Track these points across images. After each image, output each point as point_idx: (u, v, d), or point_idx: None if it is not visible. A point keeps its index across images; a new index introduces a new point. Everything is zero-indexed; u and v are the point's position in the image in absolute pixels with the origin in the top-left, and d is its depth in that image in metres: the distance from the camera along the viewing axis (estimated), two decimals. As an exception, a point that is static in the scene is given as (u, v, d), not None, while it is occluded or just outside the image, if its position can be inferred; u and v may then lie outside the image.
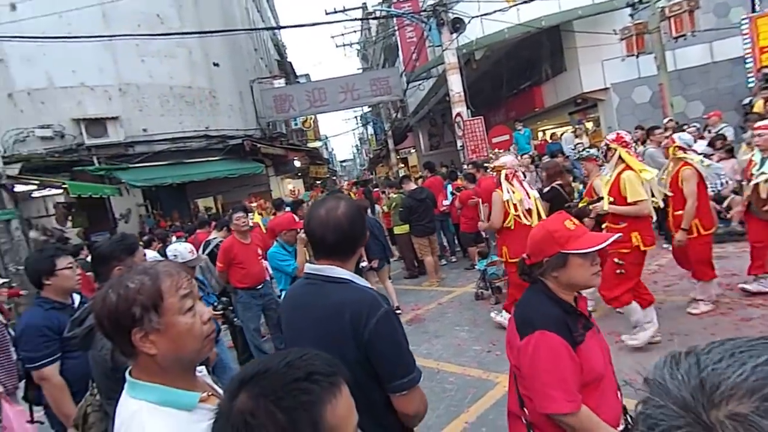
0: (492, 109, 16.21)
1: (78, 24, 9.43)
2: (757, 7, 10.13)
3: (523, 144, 11.04)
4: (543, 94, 13.66)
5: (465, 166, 9.33)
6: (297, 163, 17.47)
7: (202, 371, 1.15)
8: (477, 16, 10.24)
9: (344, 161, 79.11)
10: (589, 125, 12.62)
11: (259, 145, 13.50)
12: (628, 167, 3.66)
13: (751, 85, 9.56)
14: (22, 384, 3.00)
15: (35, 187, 8.79)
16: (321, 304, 1.38)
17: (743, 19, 9.89)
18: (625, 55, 10.25)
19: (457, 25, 10.03)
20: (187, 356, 1.02)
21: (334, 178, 34.50)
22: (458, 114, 10.40)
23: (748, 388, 0.37)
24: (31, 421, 3.30)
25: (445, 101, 14.17)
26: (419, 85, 17.33)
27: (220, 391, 1.11)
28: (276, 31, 28.75)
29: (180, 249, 3.56)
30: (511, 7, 10.46)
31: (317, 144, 27.74)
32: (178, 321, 1.00)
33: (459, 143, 10.73)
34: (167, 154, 11.63)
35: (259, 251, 4.69)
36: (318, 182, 24.68)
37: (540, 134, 15.55)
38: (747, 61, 9.86)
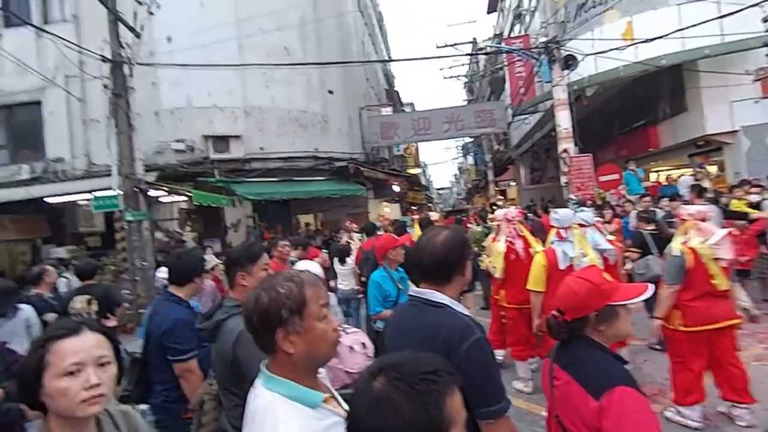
0: (601, 147, 15.20)
1: (218, 54, 10.74)
2: None
3: (635, 185, 10.10)
4: (659, 134, 12.67)
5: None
6: (396, 188, 17.81)
7: (321, 373, 1.24)
8: (591, 54, 9.93)
9: (441, 189, 79.08)
10: (713, 169, 11.27)
11: (362, 169, 14.00)
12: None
13: None
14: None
15: (165, 193, 10.05)
16: (419, 326, 1.48)
17: None
18: (759, 97, 9.43)
19: (570, 62, 9.86)
20: (318, 358, 1.14)
21: (430, 204, 34.53)
22: (565, 150, 10.01)
23: None
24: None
25: (550, 136, 13.57)
26: (525, 119, 16.84)
27: (336, 393, 1.23)
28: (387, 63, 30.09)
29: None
30: (629, 45, 10.04)
31: (416, 171, 28.13)
32: (316, 326, 1.12)
33: (563, 179, 10.23)
34: (278, 172, 12.56)
35: None
36: (414, 207, 24.90)
37: (653, 175, 14.30)
38: None
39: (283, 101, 12.83)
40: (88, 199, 8.99)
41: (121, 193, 8.16)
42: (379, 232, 7.80)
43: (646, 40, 9.50)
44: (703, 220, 3.51)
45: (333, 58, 13.70)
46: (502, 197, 23.17)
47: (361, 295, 6.32)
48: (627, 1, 10.76)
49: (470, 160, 36.30)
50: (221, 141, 11.71)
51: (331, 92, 14.26)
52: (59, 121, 11.25)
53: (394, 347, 1.57)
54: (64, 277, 7.48)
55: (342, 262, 6.71)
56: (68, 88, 10.74)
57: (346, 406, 1.18)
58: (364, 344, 2.63)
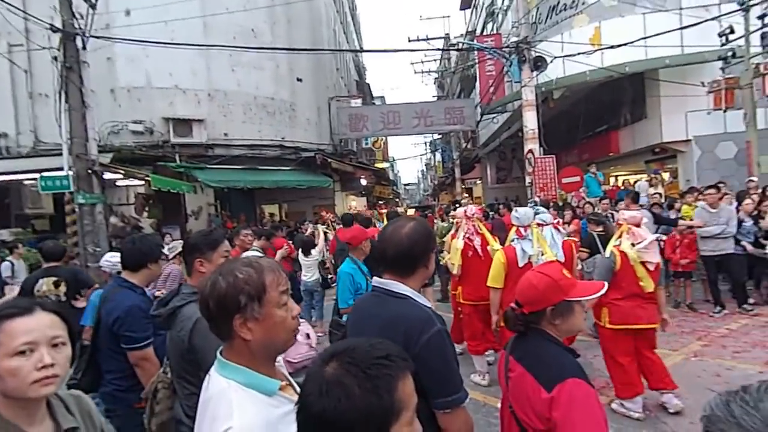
0: (564, 149, 15.69)
1: (181, 31, 10.24)
2: None
3: (594, 188, 10.51)
4: (620, 140, 13.24)
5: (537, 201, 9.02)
6: (363, 182, 17.71)
7: (279, 362, 1.23)
8: (560, 57, 10.25)
9: (408, 185, 79.58)
10: (666, 176, 11.98)
11: (329, 160, 13.82)
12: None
13: None
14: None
15: (121, 176, 9.52)
16: (381, 316, 1.48)
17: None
18: (711, 109, 9.88)
19: (539, 64, 10.10)
20: (276, 345, 1.12)
21: (397, 200, 34.64)
22: (530, 150, 10.25)
23: None
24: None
25: (517, 136, 13.84)
26: (493, 118, 17.10)
27: (293, 381, 1.20)
28: (359, 53, 29.82)
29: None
30: (596, 50, 10.41)
31: (385, 165, 28.10)
32: (275, 313, 1.09)
33: (527, 180, 10.51)
34: (243, 159, 12.20)
35: None
36: (381, 202, 24.89)
37: (612, 179, 14.97)
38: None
39: (249, 86, 12.43)
40: (35, 179, 8.40)
41: (72, 173, 7.67)
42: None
43: (612, 47, 9.91)
44: (637, 225, 3.74)
45: (303, 45, 13.36)
46: (468, 195, 23.53)
47: (335, 284, 6.35)
48: (596, 7, 11.01)
49: (438, 156, 36.64)
50: (183, 124, 11.21)
51: (300, 80, 13.95)
52: (2, 93, 10.39)
53: (355, 335, 1.56)
54: (8, 260, 7.12)
55: (306, 253, 6.63)
56: (12, 57, 9.96)
57: None
58: (308, 335, 2.65)
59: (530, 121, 10.19)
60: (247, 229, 5.37)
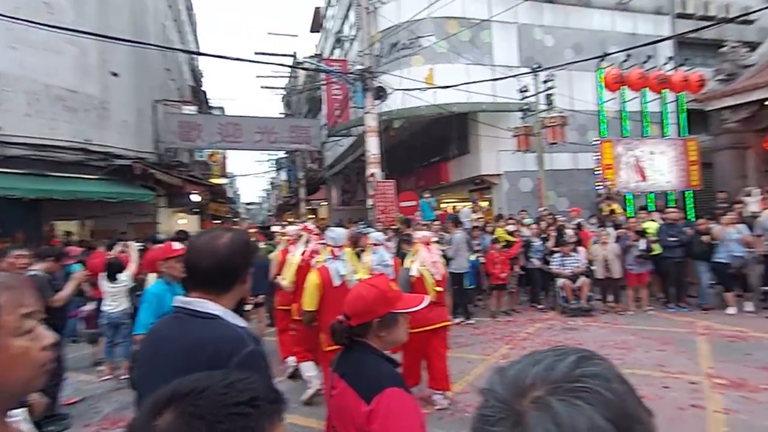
0: (404, 176, 16.95)
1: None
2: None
3: (428, 212, 11.45)
4: (449, 170, 14.88)
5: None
6: (195, 198, 15.87)
7: (15, 416, 0.96)
8: (399, 90, 11.03)
9: (250, 204, 76.00)
10: (484, 204, 13.95)
11: (152, 171, 11.94)
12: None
13: (600, 191, 12.05)
14: None
15: None
16: (182, 340, 1.26)
17: (594, 140, 12.74)
18: (515, 149, 12.04)
19: (381, 93, 10.72)
20: (11, 388, 0.86)
21: (236, 219, 32.46)
22: (372, 174, 10.61)
23: (541, 379, 0.50)
24: None
25: (361, 160, 14.24)
26: (339, 140, 17.35)
27: None
28: (195, 56, 27.42)
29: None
30: (429, 88, 11.55)
31: (223, 181, 26.07)
32: (11, 344, 0.85)
33: (369, 202, 10.70)
34: (25, 162, 9.60)
35: None
36: (217, 221, 22.84)
37: (443, 205, 16.63)
38: (596, 172, 12.47)
39: (38, 71, 9.93)
40: None
41: None
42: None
43: (442, 87, 11.08)
44: (427, 243, 4.44)
45: (121, 34, 11.35)
46: (314, 216, 23.32)
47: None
48: (430, 51, 12.34)
49: (283, 175, 35.75)
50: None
51: (115, 74, 11.85)
52: None
53: (146, 365, 1.34)
54: None
55: (112, 278, 5.39)
56: None
57: None
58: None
59: (373, 146, 10.56)
60: (22, 249, 4.07)
